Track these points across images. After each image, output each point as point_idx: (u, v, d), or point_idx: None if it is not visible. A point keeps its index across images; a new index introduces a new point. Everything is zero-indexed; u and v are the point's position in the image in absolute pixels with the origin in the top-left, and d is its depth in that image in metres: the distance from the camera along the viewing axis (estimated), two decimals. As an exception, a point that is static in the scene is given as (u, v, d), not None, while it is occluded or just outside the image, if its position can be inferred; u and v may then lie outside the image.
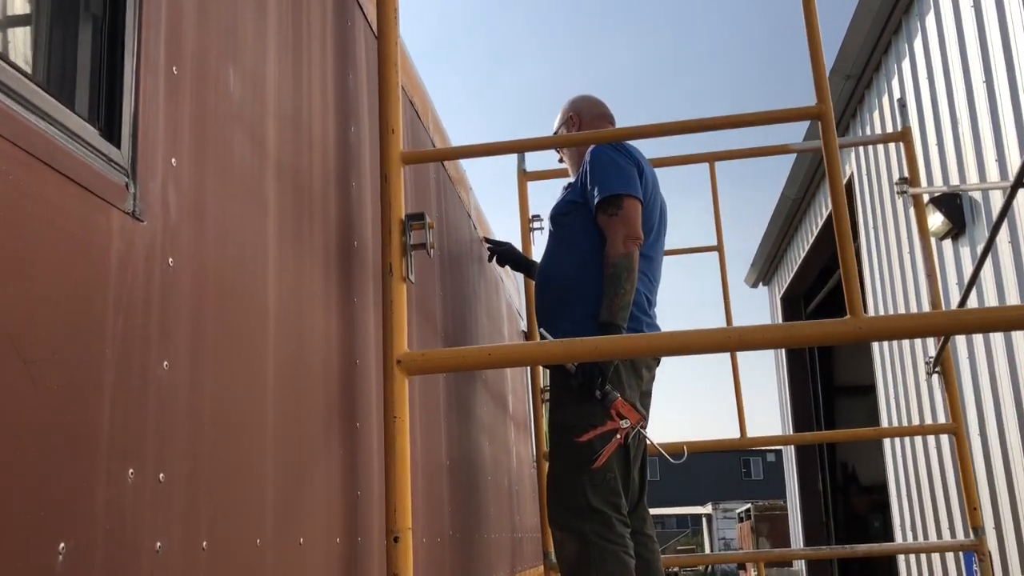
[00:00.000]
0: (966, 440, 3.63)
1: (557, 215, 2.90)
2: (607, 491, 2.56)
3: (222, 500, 1.23)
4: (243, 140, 1.39)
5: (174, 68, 1.18)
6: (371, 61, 2.16)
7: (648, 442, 2.82)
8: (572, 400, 2.63)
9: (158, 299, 1.10)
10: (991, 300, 5.19)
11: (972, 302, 5.39)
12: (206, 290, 1.23)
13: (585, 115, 3.05)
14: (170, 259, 1.14)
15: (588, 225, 2.76)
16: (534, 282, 3.15)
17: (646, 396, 2.83)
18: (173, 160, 1.16)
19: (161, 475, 1.08)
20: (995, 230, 2.77)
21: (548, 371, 2.93)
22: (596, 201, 2.71)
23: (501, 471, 3.64)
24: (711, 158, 3.93)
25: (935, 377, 6.28)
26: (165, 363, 1.11)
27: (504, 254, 3.37)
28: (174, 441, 1.12)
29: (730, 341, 1.74)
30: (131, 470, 1.02)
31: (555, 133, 3.13)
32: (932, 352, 6.28)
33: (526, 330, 4.80)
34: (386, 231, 1.88)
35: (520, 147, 2.06)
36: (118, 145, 1.05)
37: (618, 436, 2.56)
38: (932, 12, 5.81)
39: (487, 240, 3.51)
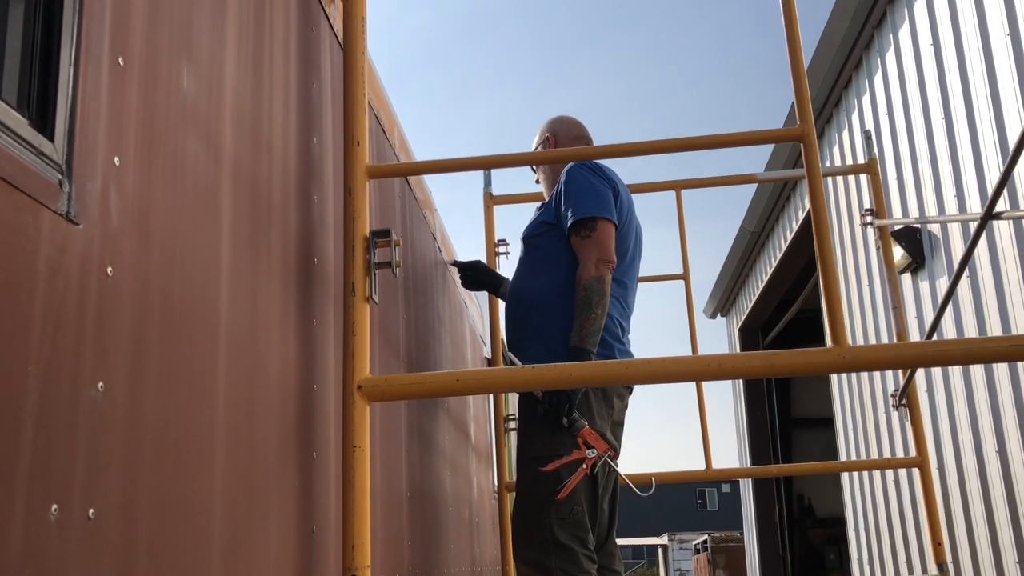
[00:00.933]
0: (932, 474, 3.60)
1: (529, 236, 2.81)
2: (574, 525, 2.46)
3: (163, 538, 1.11)
4: (196, 143, 1.28)
5: (120, 59, 1.08)
6: (336, 72, 2.07)
7: (616, 473, 2.72)
8: (540, 429, 2.53)
9: (94, 312, 0.98)
10: (949, 334, 5.21)
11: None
12: (150, 304, 1.11)
13: (562, 136, 2.98)
14: (109, 268, 1.02)
15: (561, 247, 2.68)
16: (504, 303, 3.05)
17: (617, 426, 2.74)
18: (116, 159, 1.05)
19: (91, 511, 0.95)
20: (965, 259, 2.75)
21: (516, 398, 2.83)
22: (569, 223, 2.63)
23: (462, 502, 3.51)
24: (678, 186, 3.90)
25: (893, 410, 6.31)
26: (100, 384, 0.99)
27: (474, 273, 3.24)
28: (108, 472, 0.99)
29: (709, 369, 1.66)
30: (55, 506, 0.89)
31: (534, 166, 3.05)
32: (891, 385, 6.31)
33: (489, 356, 4.70)
34: (349, 248, 1.78)
35: (489, 163, 1.98)
36: (51, 138, 0.94)
37: (584, 466, 2.46)
38: (892, 49, 5.89)
39: (456, 263, 3.39)
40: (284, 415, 1.57)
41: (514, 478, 3.59)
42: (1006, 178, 2.49)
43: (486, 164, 1.99)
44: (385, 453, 2.24)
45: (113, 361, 1.01)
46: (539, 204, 2.97)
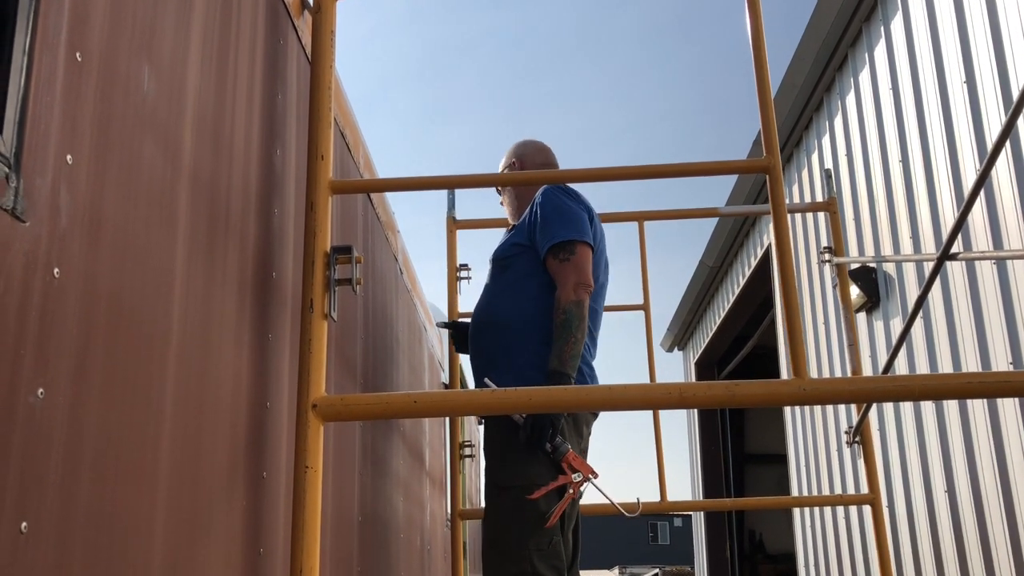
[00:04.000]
0: (883, 512, 3.62)
1: (500, 257, 2.73)
2: (552, 555, 2.35)
3: (99, 556, 1.05)
4: (154, 146, 1.24)
5: (78, 54, 1.04)
6: (303, 85, 2.04)
7: (604, 496, 2.63)
8: (515, 456, 2.43)
9: (37, 314, 0.94)
10: (901, 372, 5.28)
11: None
12: (97, 309, 1.07)
13: (528, 162, 2.93)
14: (56, 269, 0.97)
15: (534, 269, 2.61)
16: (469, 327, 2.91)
17: (583, 454, 2.69)
18: (69, 157, 1.01)
19: (23, 524, 0.90)
20: (921, 298, 2.78)
21: (483, 424, 2.72)
22: (548, 245, 2.57)
23: (414, 529, 3.44)
24: (641, 217, 3.91)
25: (846, 447, 6.37)
26: (40, 391, 0.94)
27: (460, 331, 2.99)
28: (44, 482, 0.94)
29: (671, 398, 1.64)
30: (-17, 517, 0.84)
31: (499, 188, 3.00)
32: (844, 422, 6.37)
33: (447, 382, 4.65)
34: (309, 263, 1.74)
35: (453, 183, 1.96)
36: None
37: (571, 491, 2.38)
38: (852, 92, 6.01)
39: (447, 325, 3.11)
40: (234, 432, 1.51)
41: (468, 506, 3.54)
42: (962, 219, 2.53)
43: (450, 184, 1.97)
44: (337, 475, 2.18)
45: (55, 367, 0.97)
46: (509, 227, 2.91)
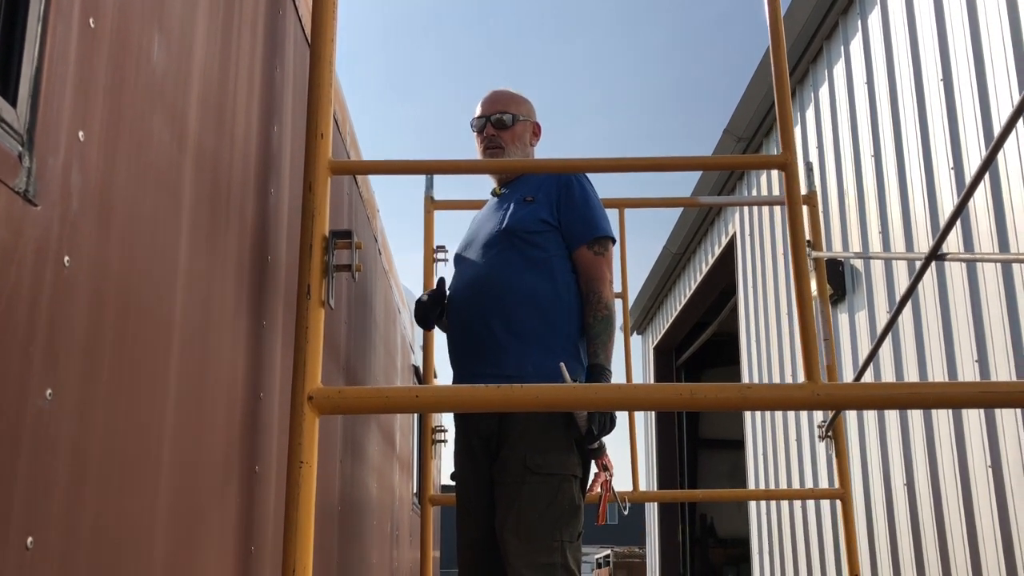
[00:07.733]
0: (852, 506, 3.65)
1: (524, 230, 2.50)
2: (576, 550, 2.33)
3: (104, 567, 0.97)
4: (162, 121, 1.15)
5: (91, 20, 0.94)
6: (298, 60, 1.94)
7: (613, 491, 2.62)
8: (553, 443, 2.31)
9: (47, 307, 0.85)
10: (865, 376, 5.33)
11: (848, 375, 5.54)
12: (106, 300, 0.98)
13: (537, 131, 2.75)
14: (67, 257, 0.89)
15: (562, 252, 2.51)
16: (457, 294, 2.57)
17: None
18: (80, 134, 0.92)
19: (29, 539, 0.82)
20: (905, 298, 2.78)
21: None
22: (591, 237, 2.51)
23: (385, 514, 3.38)
24: (622, 204, 3.87)
25: (808, 439, 6.44)
26: (48, 391, 0.85)
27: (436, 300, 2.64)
28: (51, 492, 0.86)
29: (682, 398, 1.60)
30: (-8, 535, 0.76)
31: (512, 119, 2.63)
32: (804, 415, 6.44)
33: (417, 365, 4.57)
34: (306, 248, 1.65)
35: (457, 168, 1.88)
36: (13, 103, 0.80)
37: (604, 490, 2.42)
38: (826, 84, 6.03)
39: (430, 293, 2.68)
40: (229, 426, 1.43)
41: (437, 491, 3.48)
42: (951, 224, 2.51)
43: (453, 168, 1.90)
44: (322, 465, 2.11)
45: (64, 365, 0.88)
46: (518, 195, 2.58)
